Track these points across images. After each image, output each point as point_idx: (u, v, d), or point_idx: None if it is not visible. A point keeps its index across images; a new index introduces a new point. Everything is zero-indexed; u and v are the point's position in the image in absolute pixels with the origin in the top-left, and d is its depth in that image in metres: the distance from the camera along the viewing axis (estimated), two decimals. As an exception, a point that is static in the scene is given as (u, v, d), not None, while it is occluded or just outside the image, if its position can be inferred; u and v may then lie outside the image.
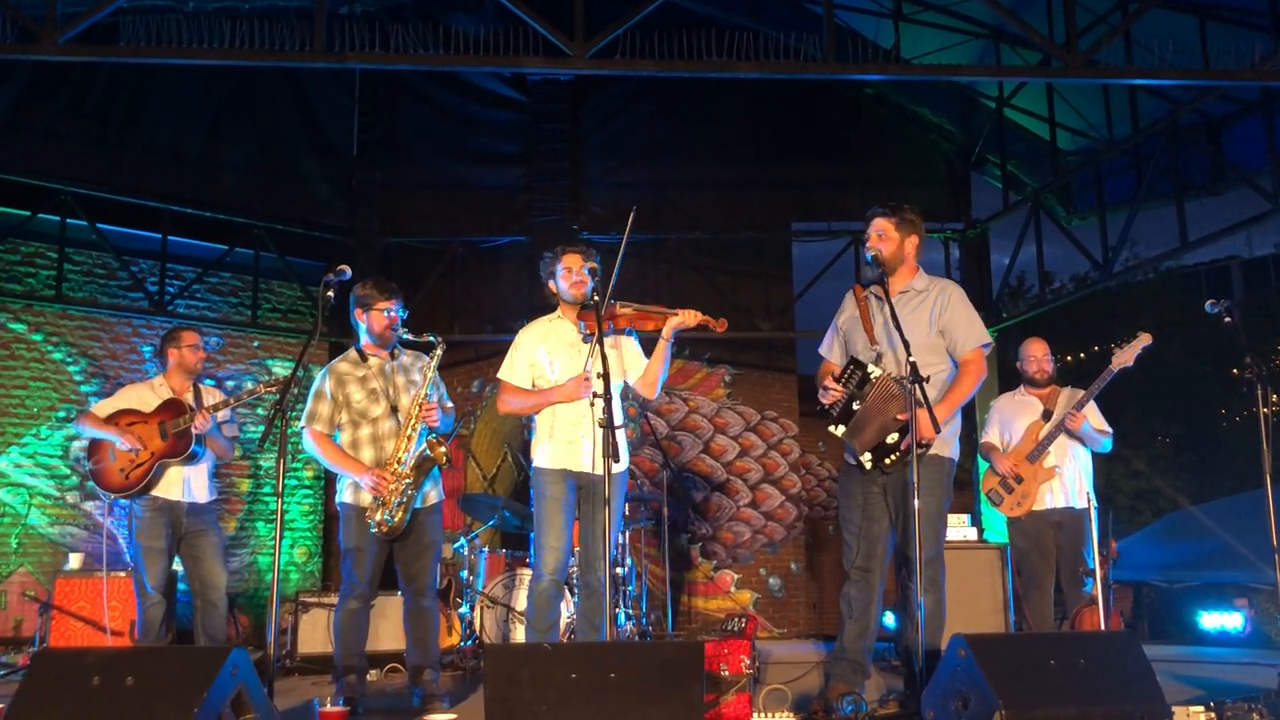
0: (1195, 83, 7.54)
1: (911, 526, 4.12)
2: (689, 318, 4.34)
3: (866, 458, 4.21)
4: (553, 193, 9.92)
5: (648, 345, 4.62)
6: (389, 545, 4.73)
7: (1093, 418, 5.80)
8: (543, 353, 4.52)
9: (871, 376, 4.16)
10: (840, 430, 4.22)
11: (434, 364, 4.78)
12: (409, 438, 4.65)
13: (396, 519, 4.59)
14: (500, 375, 4.63)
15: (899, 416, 4.10)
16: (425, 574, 4.77)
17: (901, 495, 4.21)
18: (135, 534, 5.31)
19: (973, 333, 4.31)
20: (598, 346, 3.98)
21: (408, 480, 4.61)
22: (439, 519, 4.86)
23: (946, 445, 4.24)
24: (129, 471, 5.26)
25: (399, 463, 4.62)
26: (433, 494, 4.82)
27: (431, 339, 4.79)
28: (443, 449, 4.65)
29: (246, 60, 6.68)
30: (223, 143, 9.48)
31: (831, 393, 4.21)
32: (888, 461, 4.17)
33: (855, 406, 4.17)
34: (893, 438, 4.14)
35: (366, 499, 4.64)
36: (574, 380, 4.38)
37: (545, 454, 4.45)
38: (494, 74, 9.98)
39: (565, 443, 4.40)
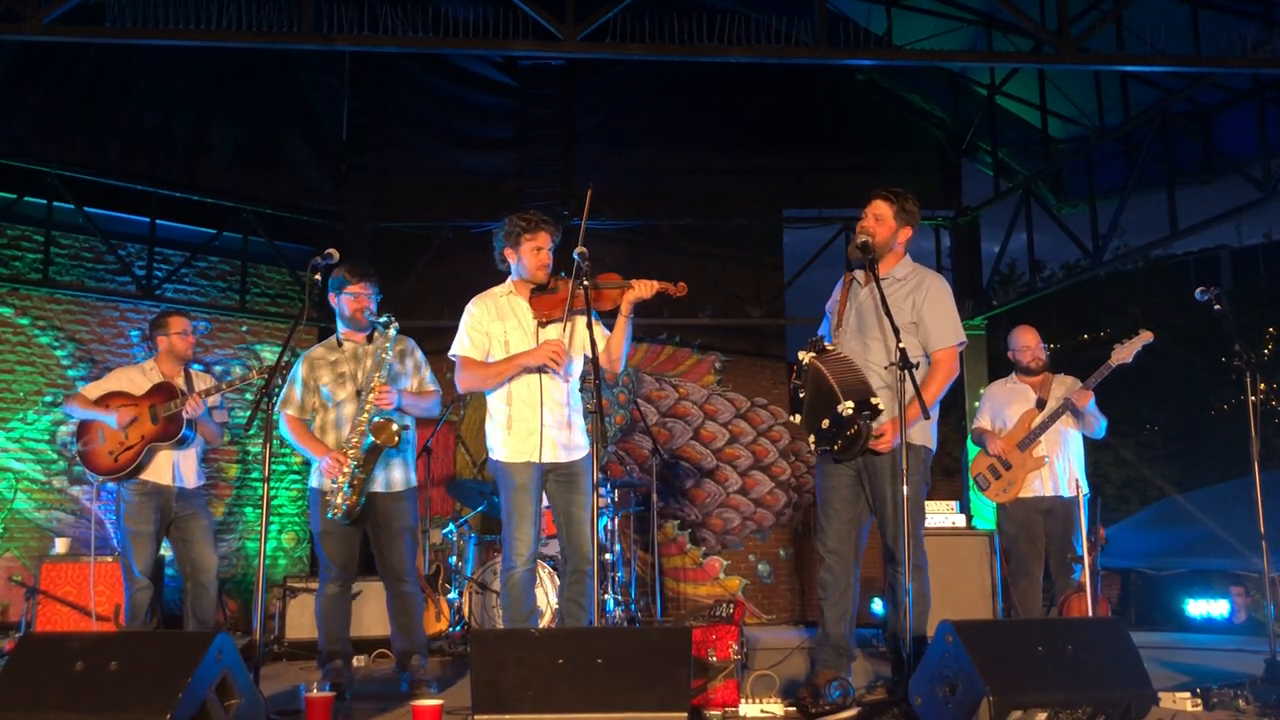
0: (1187, 70, 7.53)
1: (887, 513, 4.13)
2: (644, 289, 4.21)
3: (811, 440, 4.18)
4: (543, 178, 9.91)
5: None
6: (362, 529, 4.70)
7: (1071, 420, 5.80)
8: (498, 330, 4.37)
9: (803, 363, 4.15)
10: (798, 419, 4.23)
11: (388, 345, 4.62)
12: (363, 420, 4.56)
13: (349, 502, 4.51)
14: (455, 353, 4.41)
15: (844, 412, 3.93)
16: (399, 560, 4.69)
17: (876, 481, 4.19)
18: (123, 518, 5.29)
19: (946, 329, 4.21)
20: (567, 328, 3.92)
21: (357, 463, 4.52)
22: (408, 505, 4.73)
23: (922, 434, 4.18)
24: (118, 454, 5.24)
25: (354, 446, 4.55)
26: (399, 479, 4.71)
27: (384, 320, 4.63)
28: (394, 428, 4.50)
29: (234, 41, 6.62)
30: (211, 126, 9.41)
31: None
32: (835, 448, 4.08)
33: (801, 395, 4.18)
34: (825, 423, 4.02)
35: (329, 483, 4.61)
36: (547, 344, 4.23)
37: (506, 448, 4.31)
38: (484, 58, 9.93)
39: (525, 435, 4.28)
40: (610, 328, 4.41)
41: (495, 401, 4.38)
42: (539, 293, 4.35)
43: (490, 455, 4.41)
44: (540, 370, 4.29)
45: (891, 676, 4.38)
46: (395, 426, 4.52)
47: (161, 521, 5.31)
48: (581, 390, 4.38)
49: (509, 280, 4.51)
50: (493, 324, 4.38)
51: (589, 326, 3.96)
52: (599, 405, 3.81)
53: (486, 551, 7.15)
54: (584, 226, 4.19)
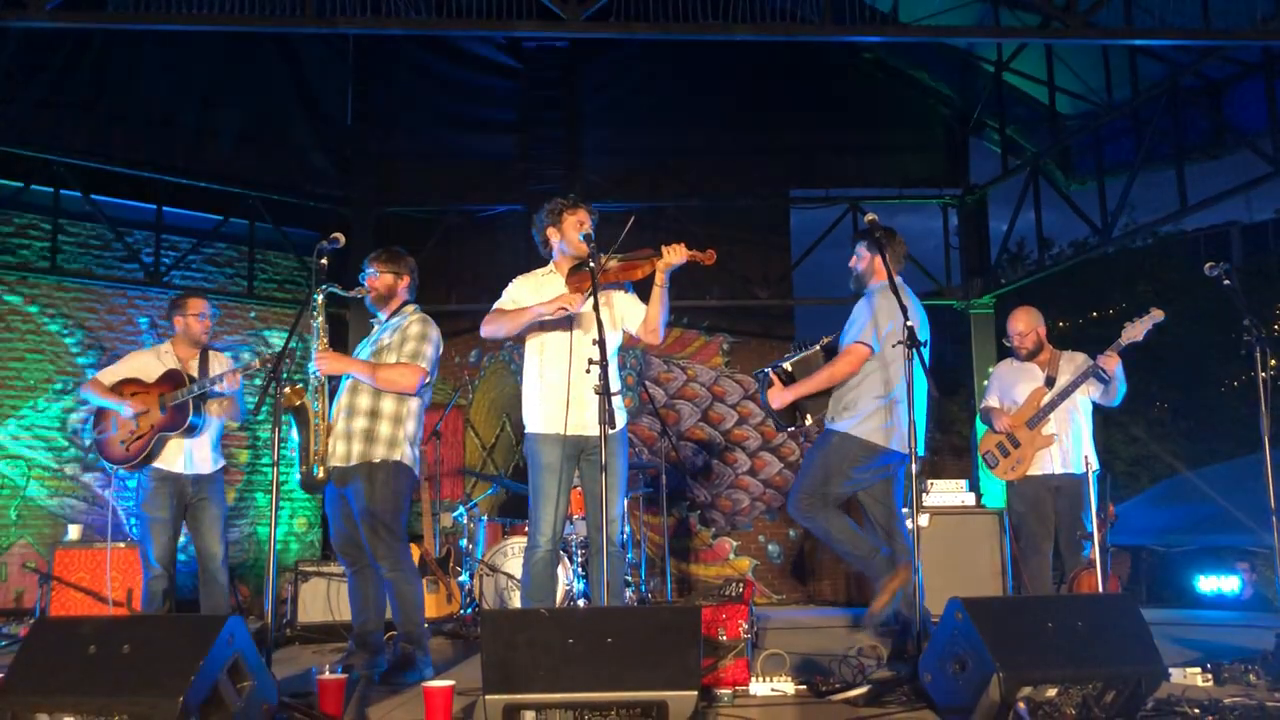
0: (1196, 43, 7.47)
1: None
2: (676, 255, 4.22)
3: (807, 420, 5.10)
4: (549, 161, 9.87)
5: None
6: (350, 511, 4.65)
7: (1092, 387, 5.76)
8: (534, 302, 4.42)
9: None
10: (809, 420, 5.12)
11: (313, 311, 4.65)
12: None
13: (303, 469, 4.55)
14: (494, 307, 4.54)
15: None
16: (369, 544, 4.57)
17: None
18: (141, 505, 5.33)
19: (853, 330, 4.71)
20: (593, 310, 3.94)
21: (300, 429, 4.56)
22: (368, 486, 4.52)
23: (830, 418, 4.85)
24: (129, 443, 5.26)
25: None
26: (356, 451, 4.56)
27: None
28: (288, 390, 4.44)
29: (238, 26, 6.61)
30: (216, 111, 9.38)
31: None
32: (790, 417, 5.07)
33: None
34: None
35: None
36: (559, 296, 4.28)
37: (537, 418, 4.38)
38: (489, 40, 9.89)
39: (556, 405, 4.30)
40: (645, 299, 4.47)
41: (529, 376, 4.45)
42: (575, 271, 4.40)
43: (525, 429, 4.46)
44: (572, 346, 4.32)
45: (899, 654, 4.38)
46: (290, 390, 4.49)
47: (178, 508, 5.33)
48: (622, 368, 4.42)
49: (550, 263, 4.60)
50: (530, 296, 4.47)
51: (595, 308, 3.95)
52: (605, 387, 3.80)
53: (497, 534, 7.17)
54: (621, 239, 4.38)
